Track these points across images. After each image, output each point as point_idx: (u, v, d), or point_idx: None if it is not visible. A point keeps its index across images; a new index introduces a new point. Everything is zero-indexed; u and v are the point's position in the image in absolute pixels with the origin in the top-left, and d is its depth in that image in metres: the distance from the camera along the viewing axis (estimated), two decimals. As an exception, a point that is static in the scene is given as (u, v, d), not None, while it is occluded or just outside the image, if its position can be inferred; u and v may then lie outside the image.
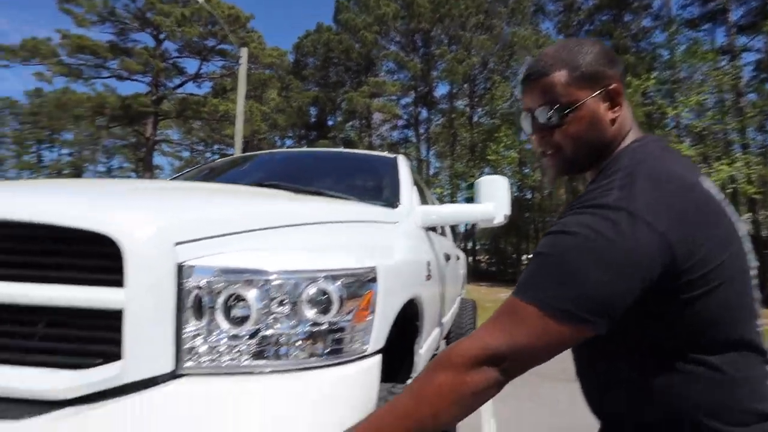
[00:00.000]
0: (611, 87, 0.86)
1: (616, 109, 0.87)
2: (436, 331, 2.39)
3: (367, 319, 1.06)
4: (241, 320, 0.92)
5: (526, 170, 23.43)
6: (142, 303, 0.85)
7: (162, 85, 23.25)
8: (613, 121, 0.87)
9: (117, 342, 0.84)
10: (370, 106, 24.94)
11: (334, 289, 0.99)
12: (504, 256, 29.80)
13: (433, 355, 3.56)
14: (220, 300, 0.92)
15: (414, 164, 19.14)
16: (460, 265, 4.40)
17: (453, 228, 4.39)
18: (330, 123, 28.66)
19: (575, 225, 0.74)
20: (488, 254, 32.05)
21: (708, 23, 18.84)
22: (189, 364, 0.89)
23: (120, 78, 22.67)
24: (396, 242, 1.54)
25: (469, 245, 24.95)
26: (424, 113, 27.75)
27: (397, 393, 1.17)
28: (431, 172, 27.18)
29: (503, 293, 15.54)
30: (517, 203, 25.57)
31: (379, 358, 1.11)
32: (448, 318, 3.07)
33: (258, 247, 1.01)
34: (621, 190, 0.74)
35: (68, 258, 0.89)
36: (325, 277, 0.98)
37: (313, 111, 29.04)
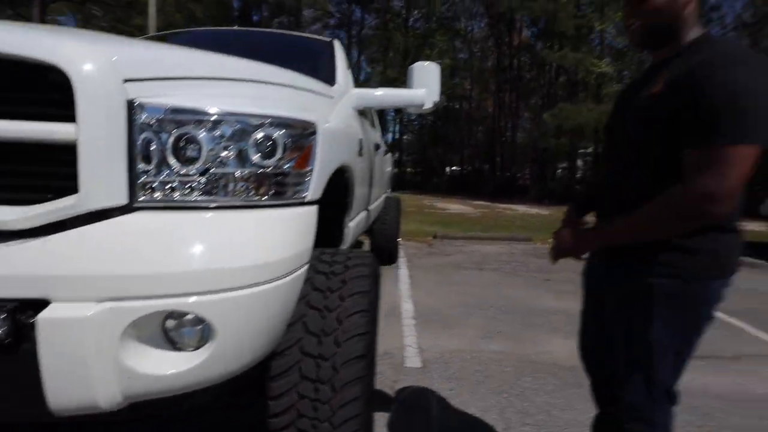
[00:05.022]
0: None
1: None
2: (363, 215, 2.56)
3: (307, 168, 1.17)
4: (192, 159, 0.99)
5: (456, 80, 23.39)
6: (94, 136, 0.88)
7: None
8: (685, 5, 1.05)
9: (72, 176, 0.88)
10: (300, 1, 23.00)
11: (279, 135, 1.07)
12: (430, 166, 30.71)
13: (356, 241, 3.80)
14: (172, 139, 0.96)
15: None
16: (387, 161, 4.56)
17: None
18: (255, 18, 26.24)
19: (742, 86, 0.91)
20: (414, 165, 32.84)
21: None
22: (142, 198, 0.96)
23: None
24: (333, 111, 1.62)
25: (396, 155, 25.25)
26: (358, 13, 26.21)
27: (325, 259, 1.30)
28: (362, 77, 26.40)
29: (426, 200, 16.29)
30: (444, 113, 25.71)
31: (315, 208, 1.23)
32: (374, 207, 3.22)
33: (209, 93, 1.05)
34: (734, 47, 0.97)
35: (19, 93, 0.88)
36: (271, 123, 1.05)
37: (236, 3, 26.30)
